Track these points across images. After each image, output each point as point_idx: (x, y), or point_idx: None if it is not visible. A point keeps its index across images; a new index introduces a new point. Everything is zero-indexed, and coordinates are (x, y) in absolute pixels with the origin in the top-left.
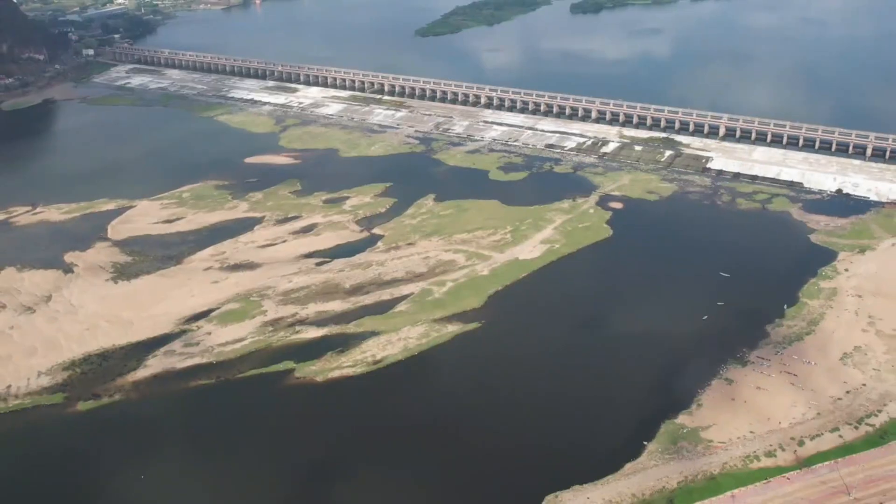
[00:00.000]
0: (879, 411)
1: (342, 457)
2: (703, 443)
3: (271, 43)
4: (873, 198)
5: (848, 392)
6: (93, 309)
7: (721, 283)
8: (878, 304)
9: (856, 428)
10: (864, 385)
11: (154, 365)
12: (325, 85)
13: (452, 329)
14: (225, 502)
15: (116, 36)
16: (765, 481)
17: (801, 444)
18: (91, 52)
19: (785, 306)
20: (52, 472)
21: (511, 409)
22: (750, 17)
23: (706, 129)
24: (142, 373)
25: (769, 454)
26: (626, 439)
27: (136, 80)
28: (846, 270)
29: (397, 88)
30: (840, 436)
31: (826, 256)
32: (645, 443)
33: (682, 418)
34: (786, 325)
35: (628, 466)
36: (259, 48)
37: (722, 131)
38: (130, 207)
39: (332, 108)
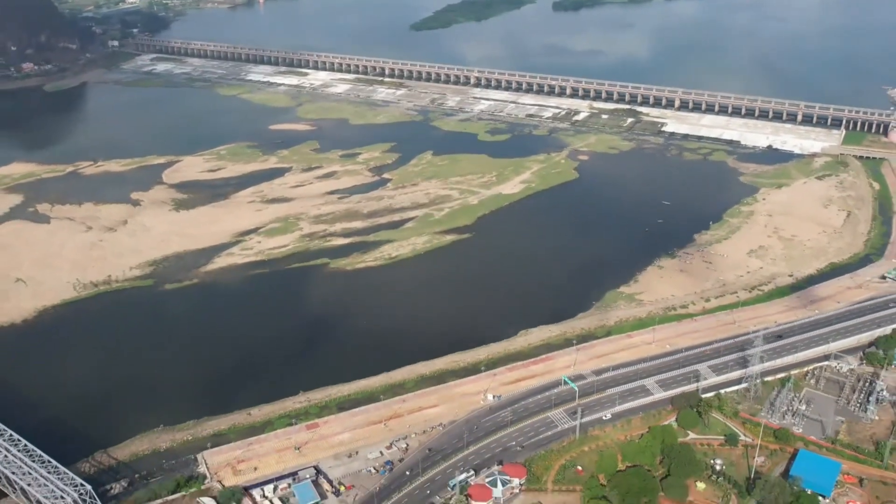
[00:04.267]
0: (769, 283)
1: (368, 310)
2: (636, 301)
3: (278, 36)
4: (797, 151)
5: (748, 272)
6: (163, 228)
7: (662, 208)
8: (784, 220)
9: (749, 292)
10: (761, 268)
11: (220, 262)
12: (331, 69)
13: (450, 238)
14: (283, 339)
15: (135, 30)
16: (677, 321)
17: (707, 300)
18: (116, 43)
19: (710, 222)
20: (152, 328)
21: (495, 281)
22: (718, 14)
23: (664, 101)
24: (211, 266)
25: (683, 306)
26: (578, 301)
27: (161, 67)
28: (764, 199)
29: (396, 71)
30: (737, 296)
31: (750, 191)
32: (594, 302)
33: (622, 288)
34: (709, 234)
35: (580, 314)
36: (267, 41)
37: (677, 103)
38: (178, 161)
39: (340, 88)
